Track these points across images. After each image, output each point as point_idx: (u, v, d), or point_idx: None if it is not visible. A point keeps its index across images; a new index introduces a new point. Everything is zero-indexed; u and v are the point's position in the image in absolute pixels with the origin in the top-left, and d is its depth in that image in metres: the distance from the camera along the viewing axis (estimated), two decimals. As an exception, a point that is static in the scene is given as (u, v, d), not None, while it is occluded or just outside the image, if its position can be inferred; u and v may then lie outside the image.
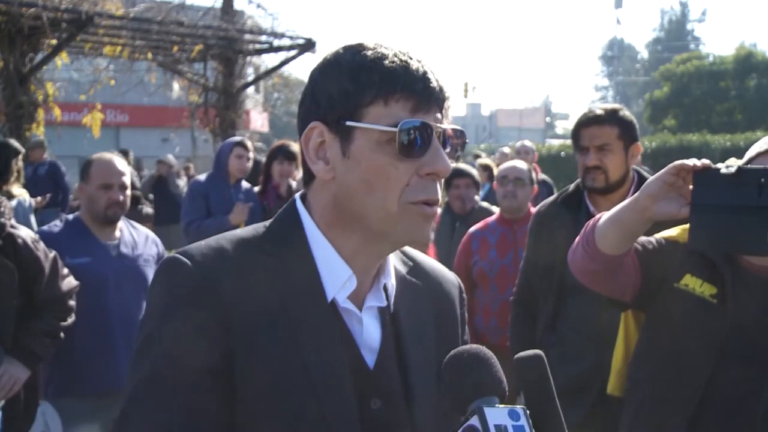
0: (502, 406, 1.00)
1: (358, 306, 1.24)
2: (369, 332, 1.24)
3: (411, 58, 1.19)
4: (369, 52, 1.19)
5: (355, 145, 1.17)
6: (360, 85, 1.16)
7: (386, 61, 1.17)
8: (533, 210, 4.29)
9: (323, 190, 1.23)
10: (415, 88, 1.16)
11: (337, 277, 1.21)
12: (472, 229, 4.35)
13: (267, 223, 1.28)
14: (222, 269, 1.17)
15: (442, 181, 1.23)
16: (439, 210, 5.04)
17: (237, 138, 5.92)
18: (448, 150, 1.21)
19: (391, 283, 1.28)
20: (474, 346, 1.08)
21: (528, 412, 1.01)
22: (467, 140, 1.26)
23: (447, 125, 1.21)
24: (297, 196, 1.30)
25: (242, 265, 1.19)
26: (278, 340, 1.16)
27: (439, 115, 1.19)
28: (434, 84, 1.19)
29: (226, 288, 1.15)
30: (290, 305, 1.18)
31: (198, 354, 1.13)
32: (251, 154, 5.55)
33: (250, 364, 1.15)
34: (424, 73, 1.18)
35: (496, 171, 7.64)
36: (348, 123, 1.17)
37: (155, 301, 1.19)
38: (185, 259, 1.17)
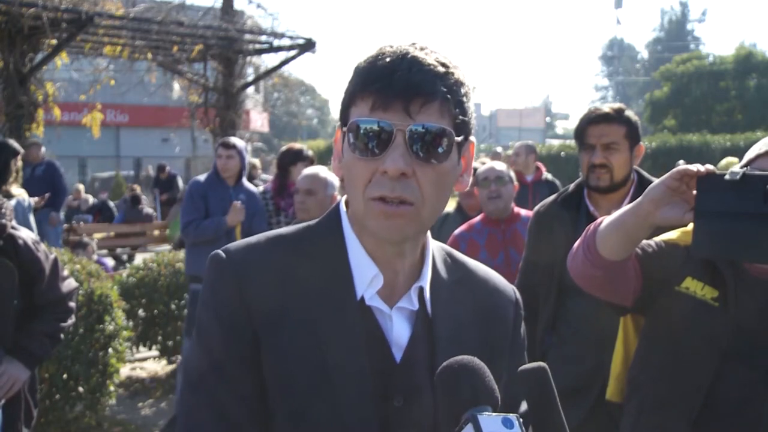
0: (496, 414, 1.01)
1: (392, 305, 1.26)
2: (398, 330, 1.26)
3: (391, 55, 1.17)
4: (367, 55, 1.21)
5: (344, 145, 1.23)
6: (348, 88, 1.22)
7: (365, 63, 1.20)
8: (517, 209, 4.29)
9: None
10: (373, 87, 1.16)
11: (364, 275, 1.25)
12: (457, 231, 4.29)
13: (312, 222, 1.33)
14: (252, 264, 1.23)
15: (416, 180, 1.17)
16: (449, 209, 5.04)
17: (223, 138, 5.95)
18: (425, 147, 1.15)
19: (427, 287, 1.29)
20: (465, 357, 1.08)
21: (521, 420, 1.01)
22: (455, 138, 1.19)
23: (428, 123, 1.15)
24: (342, 198, 1.34)
25: (276, 261, 1.25)
26: (305, 333, 1.20)
27: (406, 112, 1.15)
28: (399, 80, 1.14)
29: (252, 282, 1.21)
30: (321, 301, 1.22)
31: (229, 340, 1.19)
32: (236, 150, 5.52)
33: (275, 364, 1.19)
34: (391, 70, 1.15)
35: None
36: (343, 126, 1.23)
37: (201, 293, 1.27)
38: (223, 254, 1.25)
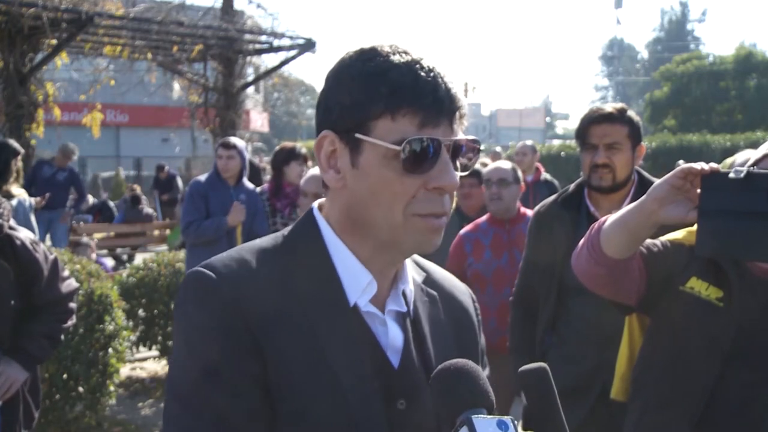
0: (491, 417, 1.01)
1: (379, 309, 1.25)
2: (392, 334, 1.25)
3: (422, 67, 1.16)
4: (380, 60, 1.16)
5: (363, 157, 1.18)
6: (368, 96, 1.15)
7: (395, 72, 1.15)
8: (523, 209, 4.29)
9: (337, 198, 1.24)
10: (422, 103, 1.14)
11: (357, 282, 1.23)
12: (463, 231, 4.31)
13: (286, 231, 1.30)
14: (244, 278, 1.19)
15: (454, 192, 1.21)
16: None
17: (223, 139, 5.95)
18: (461, 160, 1.20)
19: (410, 288, 1.30)
20: (460, 360, 1.09)
21: (515, 422, 1.02)
22: (481, 148, 1.24)
23: (460, 136, 1.19)
24: (315, 204, 1.31)
25: (263, 273, 1.21)
26: (304, 343, 1.18)
27: (450, 127, 1.17)
28: (444, 95, 1.15)
29: (248, 296, 1.17)
30: (313, 311, 1.20)
31: (227, 355, 1.14)
32: (237, 150, 5.51)
33: (277, 367, 1.16)
34: (435, 84, 1.15)
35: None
36: (357, 135, 1.17)
37: (179, 313, 1.21)
38: (208, 272, 1.19)
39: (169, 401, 1.19)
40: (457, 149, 1.19)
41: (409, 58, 1.16)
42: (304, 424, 1.16)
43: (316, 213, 1.29)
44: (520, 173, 4.41)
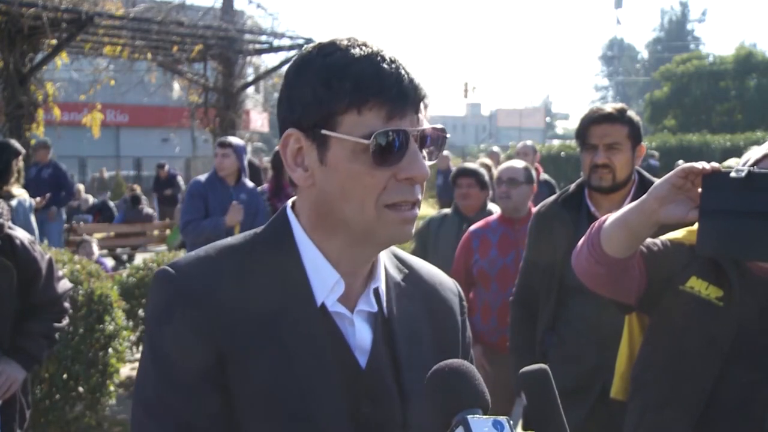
0: (486, 417, 1.01)
1: (350, 309, 1.24)
2: (360, 334, 1.24)
3: (384, 59, 1.15)
4: (340, 54, 1.16)
5: (331, 153, 1.17)
6: (332, 92, 1.14)
7: (357, 66, 1.14)
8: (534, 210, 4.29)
9: (307, 196, 1.24)
10: (388, 96, 1.13)
11: (325, 281, 1.22)
12: (473, 227, 4.33)
13: (258, 230, 1.29)
14: (208, 277, 1.18)
15: (424, 182, 1.21)
16: (448, 210, 5.05)
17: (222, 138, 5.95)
18: (430, 149, 1.20)
19: (382, 287, 1.28)
20: (456, 360, 1.09)
21: (511, 422, 1.01)
22: (447, 135, 1.24)
23: (425, 125, 1.19)
24: (288, 202, 1.30)
25: (229, 271, 1.20)
26: (268, 344, 1.17)
27: (416, 117, 1.17)
28: (408, 86, 1.15)
29: (212, 294, 1.17)
30: (279, 310, 1.19)
31: (189, 357, 1.14)
32: (232, 149, 5.50)
33: (241, 368, 1.15)
34: (398, 75, 1.15)
35: (495, 171, 7.64)
36: (323, 132, 1.16)
37: (147, 314, 1.21)
38: (171, 270, 1.19)
39: (135, 405, 1.18)
40: (423, 139, 1.18)
41: (369, 50, 1.16)
42: (266, 424, 1.15)
43: (289, 211, 1.28)
44: (534, 174, 4.40)
